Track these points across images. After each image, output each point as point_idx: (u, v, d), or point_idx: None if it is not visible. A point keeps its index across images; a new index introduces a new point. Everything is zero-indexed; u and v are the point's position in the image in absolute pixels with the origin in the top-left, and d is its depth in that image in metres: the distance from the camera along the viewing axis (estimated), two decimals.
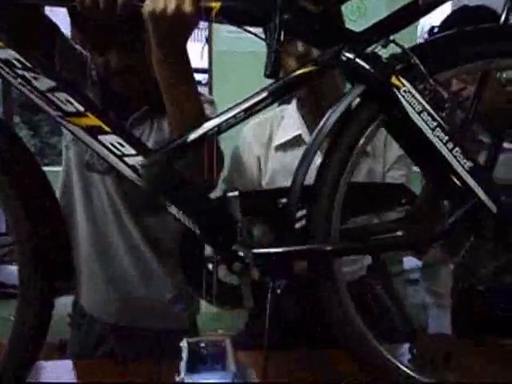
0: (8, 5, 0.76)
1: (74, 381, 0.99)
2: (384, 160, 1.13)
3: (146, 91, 1.01)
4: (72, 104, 0.73)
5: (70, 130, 0.74)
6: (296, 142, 1.14)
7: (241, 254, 0.75)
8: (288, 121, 1.17)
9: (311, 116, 1.14)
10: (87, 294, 1.13)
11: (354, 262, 1.11)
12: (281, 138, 1.17)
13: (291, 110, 1.19)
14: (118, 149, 0.74)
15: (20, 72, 0.72)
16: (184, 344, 0.89)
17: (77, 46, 1.04)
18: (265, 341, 0.79)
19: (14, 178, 0.77)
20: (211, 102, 1.06)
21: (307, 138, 1.12)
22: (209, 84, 2.11)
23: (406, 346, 1.02)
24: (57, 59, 0.98)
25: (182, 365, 0.83)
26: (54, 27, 0.99)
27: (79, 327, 1.14)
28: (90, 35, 0.98)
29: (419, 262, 1.34)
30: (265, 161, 1.18)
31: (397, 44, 0.70)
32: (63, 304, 0.98)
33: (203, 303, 1.18)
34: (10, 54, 0.72)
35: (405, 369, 0.79)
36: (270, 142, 1.18)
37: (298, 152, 1.05)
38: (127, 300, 1.10)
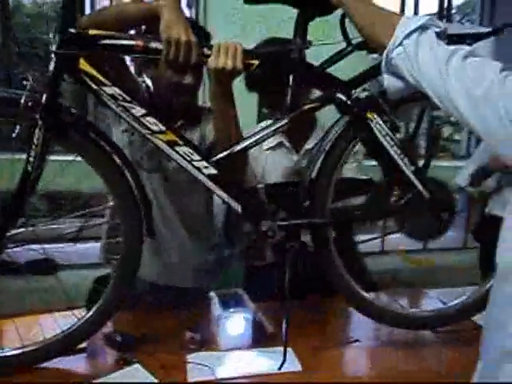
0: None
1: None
2: None
3: (183, 110, 1.37)
4: (157, 125, 1.08)
5: (154, 143, 1.10)
6: (280, 145, 1.59)
7: (268, 225, 1.14)
8: None
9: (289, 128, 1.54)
10: None
11: None
12: (270, 142, 1.57)
13: None
14: (188, 156, 1.10)
15: (121, 103, 1.06)
16: (213, 294, 1.27)
17: (134, 76, 1.37)
18: (286, 290, 1.12)
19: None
20: None
21: (286, 143, 1.59)
22: None
23: None
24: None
25: (217, 306, 1.21)
26: (126, 66, 1.32)
27: None
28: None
29: None
30: (257, 159, 1.57)
31: (369, 91, 1.11)
32: None
33: None
34: (115, 90, 1.06)
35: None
36: (261, 145, 1.57)
37: (282, 152, 1.58)
38: (165, 265, 1.46)
